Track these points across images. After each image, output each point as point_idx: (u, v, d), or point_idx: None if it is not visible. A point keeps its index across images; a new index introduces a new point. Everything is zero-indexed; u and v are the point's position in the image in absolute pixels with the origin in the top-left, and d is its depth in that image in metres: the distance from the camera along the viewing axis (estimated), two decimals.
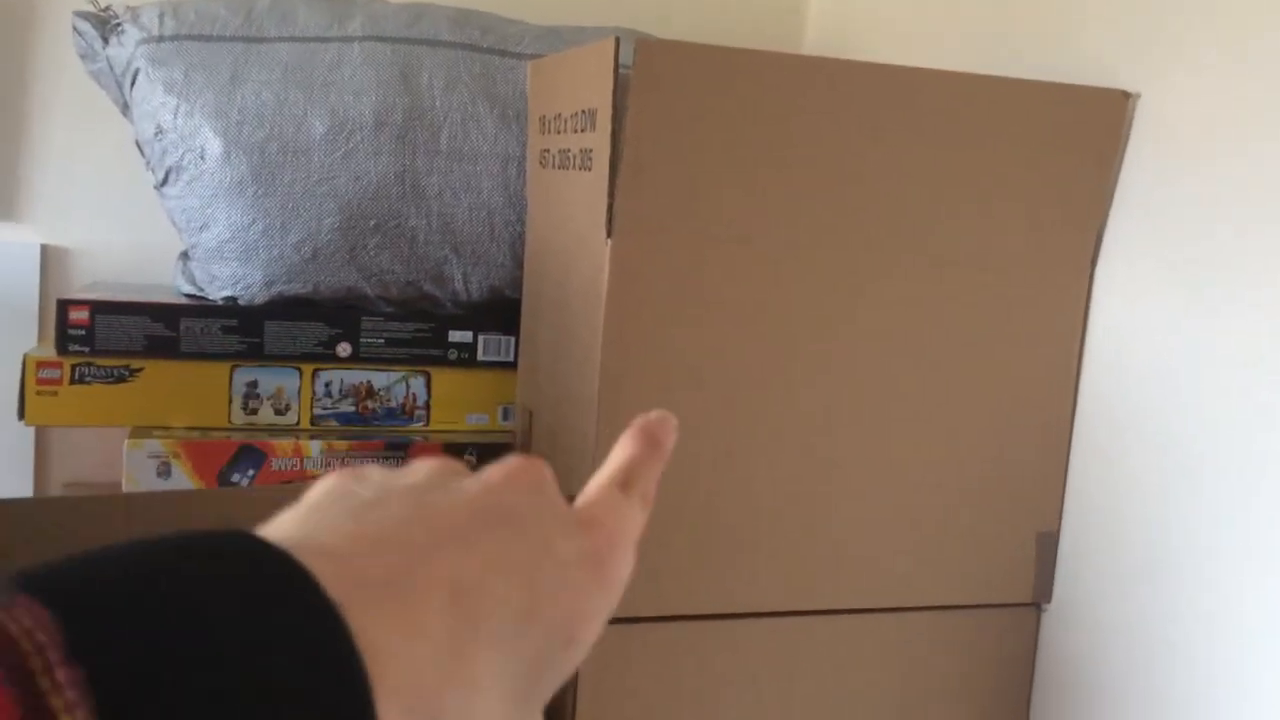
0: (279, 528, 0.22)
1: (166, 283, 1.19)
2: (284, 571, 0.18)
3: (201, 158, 1.06)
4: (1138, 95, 0.89)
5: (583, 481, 0.96)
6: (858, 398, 0.89)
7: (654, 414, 0.31)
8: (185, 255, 1.13)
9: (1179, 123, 0.85)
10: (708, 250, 0.84)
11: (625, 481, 0.29)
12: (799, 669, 0.92)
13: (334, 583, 0.19)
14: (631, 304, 0.83)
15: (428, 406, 1.14)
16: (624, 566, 0.27)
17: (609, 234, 0.82)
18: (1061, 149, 0.89)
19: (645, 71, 0.79)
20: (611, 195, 0.82)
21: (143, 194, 1.21)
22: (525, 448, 1.06)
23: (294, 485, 0.98)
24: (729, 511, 0.88)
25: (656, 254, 0.83)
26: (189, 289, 1.13)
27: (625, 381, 0.84)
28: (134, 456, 1.02)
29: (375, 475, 0.25)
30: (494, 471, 0.25)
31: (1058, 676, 0.96)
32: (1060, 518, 0.97)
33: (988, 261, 0.91)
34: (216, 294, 1.10)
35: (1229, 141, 0.81)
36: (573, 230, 0.92)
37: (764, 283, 0.86)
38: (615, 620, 0.87)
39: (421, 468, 0.25)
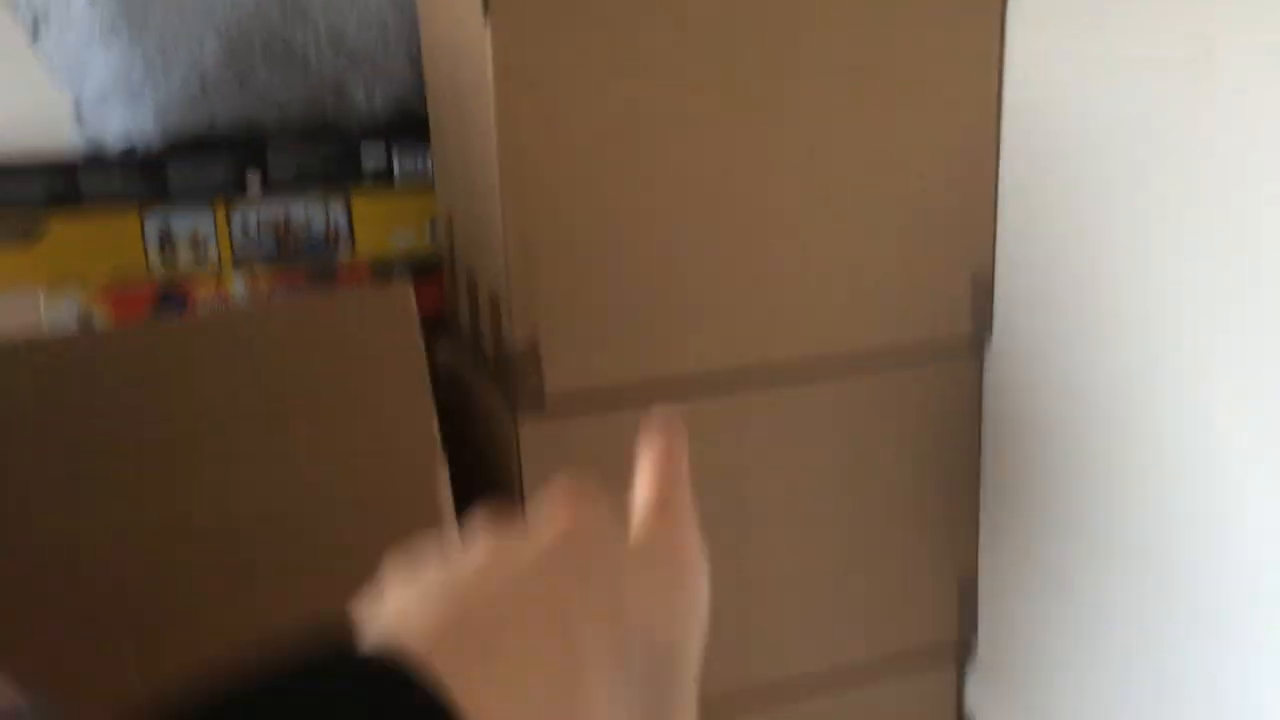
0: (379, 625, 0.22)
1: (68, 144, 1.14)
2: (400, 679, 0.19)
3: (67, 4, 1.00)
4: None
5: (494, 267, 0.92)
6: (784, 148, 0.87)
7: (655, 421, 0.31)
8: (78, 111, 1.09)
9: None
10: (596, 13, 0.80)
11: (663, 504, 0.29)
12: (747, 438, 0.92)
13: (435, 663, 0.20)
14: (520, 81, 0.80)
15: (351, 232, 1.11)
16: (699, 557, 0.28)
17: (485, 11, 0.79)
18: None
19: None
20: None
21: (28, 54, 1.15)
22: (449, 253, 1.04)
23: (221, 311, 0.96)
24: (665, 274, 0.86)
25: (542, 25, 0.80)
26: (88, 145, 1.09)
27: (525, 161, 0.82)
28: (54, 315, 1.01)
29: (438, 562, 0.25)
30: (544, 528, 0.25)
31: (1003, 414, 0.97)
32: (993, 259, 0.96)
33: (898, 5, 0.87)
34: (116, 147, 1.06)
35: None
36: (456, 19, 0.88)
37: (666, 33, 0.82)
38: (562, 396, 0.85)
39: (477, 548, 0.26)
